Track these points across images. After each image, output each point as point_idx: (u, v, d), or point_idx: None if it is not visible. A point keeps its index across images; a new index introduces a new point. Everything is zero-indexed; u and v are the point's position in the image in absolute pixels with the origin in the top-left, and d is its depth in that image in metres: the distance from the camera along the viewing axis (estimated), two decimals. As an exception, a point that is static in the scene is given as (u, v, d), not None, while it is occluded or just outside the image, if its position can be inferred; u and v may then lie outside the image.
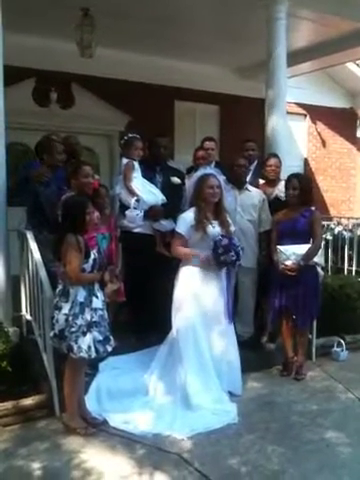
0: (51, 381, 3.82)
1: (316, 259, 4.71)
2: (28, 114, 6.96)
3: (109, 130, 7.94)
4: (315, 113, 10.09)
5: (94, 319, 3.48)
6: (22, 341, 4.47)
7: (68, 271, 3.42)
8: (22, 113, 6.69)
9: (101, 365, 4.18)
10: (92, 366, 4.04)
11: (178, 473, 3.15)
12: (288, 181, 4.67)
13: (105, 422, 3.71)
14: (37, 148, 4.65)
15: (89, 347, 3.43)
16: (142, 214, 4.74)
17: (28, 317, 4.64)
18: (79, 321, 3.42)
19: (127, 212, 4.74)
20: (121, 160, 4.86)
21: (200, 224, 4.10)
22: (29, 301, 4.59)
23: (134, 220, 4.74)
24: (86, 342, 3.42)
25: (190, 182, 4.36)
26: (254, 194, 4.99)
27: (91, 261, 3.54)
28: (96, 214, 4.07)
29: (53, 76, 7.13)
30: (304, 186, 4.65)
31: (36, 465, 3.22)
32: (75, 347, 3.40)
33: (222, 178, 4.26)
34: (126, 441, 3.51)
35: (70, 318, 3.42)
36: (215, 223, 4.17)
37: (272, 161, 5.24)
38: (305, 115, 10.09)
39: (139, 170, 4.81)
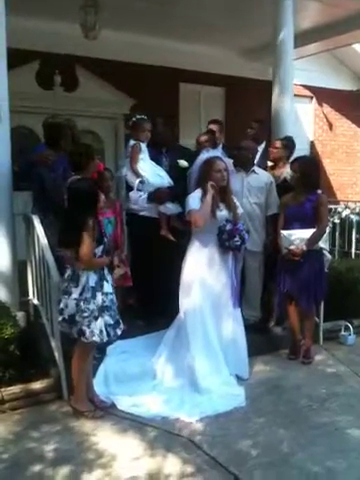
0: (59, 365, 3.83)
1: (321, 244, 4.67)
2: (32, 97, 6.90)
3: (113, 113, 7.86)
4: (321, 95, 9.97)
5: (105, 303, 3.47)
6: (29, 325, 4.48)
7: (80, 255, 3.38)
8: (26, 96, 6.62)
9: (109, 349, 4.17)
10: (100, 350, 4.04)
11: (187, 456, 3.15)
12: (292, 164, 4.65)
13: (113, 405, 3.73)
14: (50, 131, 4.59)
15: (101, 331, 3.43)
16: (145, 196, 4.70)
17: (35, 302, 4.64)
18: (91, 306, 3.40)
19: (131, 193, 4.70)
20: (128, 142, 4.81)
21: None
22: (36, 286, 4.59)
23: (137, 202, 4.70)
24: (98, 326, 3.41)
25: (195, 166, 4.31)
26: (261, 177, 4.94)
27: (102, 246, 3.52)
28: (102, 198, 4.05)
29: (57, 59, 7.05)
30: (305, 169, 4.58)
31: (48, 447, 3.24)
32: (88, 331, 3.39)
33: (228, 161, 4.22)
34: (136, 424, 3.52)
35: (81, 303, 3.40)
36: (222, 206, 4.14)
37: (275, 143, 5.22)
38: (311, 97, 9.98)
39: (146, 152, 4.76)
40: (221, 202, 4.16)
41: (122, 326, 3.61)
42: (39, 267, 4.33)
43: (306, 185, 4.58)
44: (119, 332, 3.58)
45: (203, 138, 5.21)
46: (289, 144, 5.22)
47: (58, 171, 4.39)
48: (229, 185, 4.22)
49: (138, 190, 4.66)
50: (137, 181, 4.65)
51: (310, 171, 4.65)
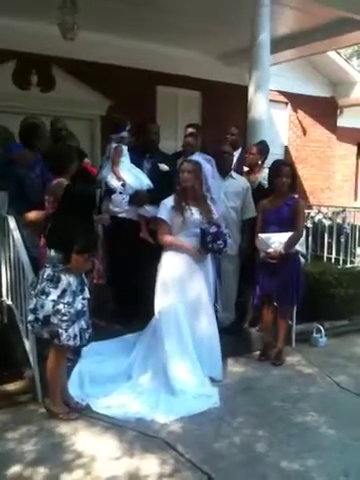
0: (33, 366, 3.80)
1: (298, 247, 4.75)
2: (8, 97, 6.84)
3: (90, 114, 7.85)
4: (296, 101, 10.12)
5: (84, 308, 3.49)
6: (3, 327, 4.44)
7: (73, 259, 3.38)
8: (1, 96, 6.59)
9: (84, 350, 4.15)
10: (74, 352, 4.02)
11: (162, 456, 3.17)
12: (278, 169, 4.66)
13: (88, 407, 3.72)
14: (22, 131, 4.57)
15: (75, 336, 3.43)
16: (127, 199, 4.72)
17: (9, 302, 4.60)
18: (72, 310, 3.40)
19: (113, 196, 4.71)
20: (110, 143, 4.81)
21: (178, 207, 4.13)
22: (10, 286, 4.55)
23: (119, 204, 4.72)
24: (75, 331, 3.42)
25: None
26: (238, 181, 5.01)
27: None
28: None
29: (34, 59, 7.01)
30: (293, 174, 4.71)
31: (25, 448, 3.23)
32: (64, 335, 3.38)
33: (209, 166, 4.26)
34: (110, 426, 3.52)
35: (60, 306, 3.38)
36: (194, 210, 4.17)
37: (252, 148, 5.28)
38: (286, 103, 10.12)
39: (127, 155, 4.78)
40: (193, 206, 4.19)
41: (91, 330, 3.60)
42: (13, 268, 4.30)
43: (291, 189, 4.67)
44: (88, 336, 3.57)
45: (188, 140, 5.25)
46: (264, 149, 5.30)
47: (36, 171, 4.37)
48: (198, 188, 4.21)
49: (120, 193, 4.67)
50: (119, 183, 4.66)
51: (295, 176, 4.74)
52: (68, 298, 3.41)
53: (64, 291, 3.41)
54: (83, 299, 3.49)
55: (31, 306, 3.47)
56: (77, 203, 3.51)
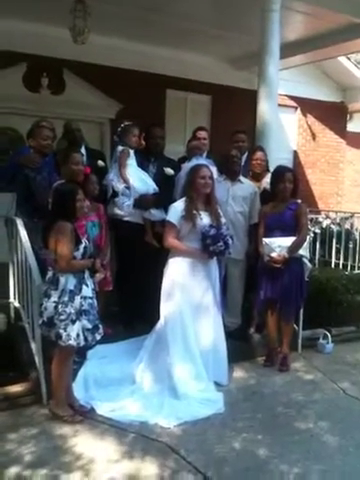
0: (39, 368, 3.82)
1: (302, 252, 4.74)
2: (18, 99, 6.88)
3: (100, 117, 7.88)
4: (306, 106, 10.09)
5: (84, 307, 3.48)
6: (10, 328, 4.46)
7: (59, 258, 3.42)
8: (12, 98, 6.64)
9: (89, 353, 4.17)
10: (80, 354, 4.03)
11: (164, 461, 3.17)
12: (281, 175, 4.66)
13: (92, 410, 3.73)
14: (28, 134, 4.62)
15: (78, 335, 3.44)
16: (131, 202, 4.73)
17: (16, 304, 4.63)
18: (68, 309, 3.41)
19: (116, 199, 4.73)
20: (116, 147, 4.83)
21: (189, 214, 4.10)
22: (17, 288, 4.58)
23: (122, 207, 4.73)
24: (75, 330, 3.42)
25: (182, 172, 4.36)
26: (246, 186, 5.01)
27: (81, 249, 3.53)
28: (86, 202, 4.07)
29: (45, 61, 7.04)
30: (296, 180, 4.71)
31: (26, 450, 3.23)
32: (64, 335, 3.40)
33: (214, 169, 4.26)
34: (113, 429, 3.53)
35: (59, 306, 3.42)
36: (204, 214, 4.17)
37: (258, 154, 5.25)
38: (296, 108, 10.09)
39: (134, 158, 4.79)
40: (204, 210, 4.20)
41: (101, 331, 3.63)
42: (21, 270, 4.32)
43: (294, 194, 4.68)
44: (98, 337, 3.59)
45: (193, 143, 5.27)
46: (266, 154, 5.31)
47: (44, 173, 4.40)
48: (213, 193, 4.25)
49: (123, 195, 4.69)
50: (122, 186, 4.67)
51: (297, 181, 4.75)
52: (64, 297, 3.43)
53: (62, 291, 3.44)
54: (82, 298, 3.49)
55: (40, 309, 3.51)
56: (54, 202, 3.55)
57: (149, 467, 3.11)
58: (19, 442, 3.33)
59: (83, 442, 3.36)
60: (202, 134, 5.59)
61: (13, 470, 3.02)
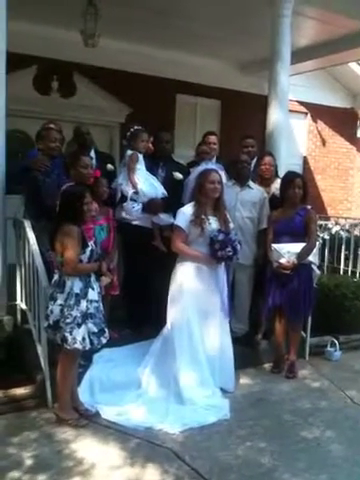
0: (44, 371, 3.81)
1: (311, 258, 4.70)
2: (28, 102, 6.94)
3: (109, 121, 7.91)
4: (316, 112, 10.09)
5: (90, 311, 3.47)
6: (16, 330, 4.46)
7: (65, 261, 3.41)
8: (22, 100, 6.67)
9: (95, 357, 4.17)
10: (86, 358, 4.03)
11: (169, 467, 3.15)
12: (290, 180, 4.63)
13: (97, 414, 3.71)
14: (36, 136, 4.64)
15: (83, 338, 3.43)
16: (139, 207, 4.72)
17: (23, 306, 4.63)
18: (74, 312, 3.40)
19: (124, 204, 4.72)
20: (126, 152, 4.83)
21: (198, 219, 4.08)
22: (24, 290, 4.58)
23: (130, 212, 4.72)
24: (81, 333, 3.41)
25: (191, 177, 4.34)
26: (255, 191, 4.98)
27: (88, 252, 3.52)
28: (95, 206, 4.06)
29: (55, 64, 7.10)
30: (306, 186, 4.68)
31: (27, 454, 3.22)
32: (70, 338, 3.38)
33: (223, 173, 4.24)
34: (117, 433, 3.51)
35: (65, 309, 3.41)
36: (213, 219, 4.15)
37: (266, 160, 5.22)
38: (306, 113, 10.08)
39: (143, 162, 4.78)
40: (213, 215, 4.18)
41: (107, 334, 3.61)
42: (28, 272, 4.32)
43: (303, 200, 4.65)
44: (104, 340, 3.58)
45: (203, 148, 5.25)
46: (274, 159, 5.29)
47: (52, 176, 4.40)
48: (222, 198, 4.23)
49: (132, 200, 4.68)
50: (131, 191, 4.67)
51: (307, 187, 4.73)
52: (70, 301, 3.42)
53: (68, 294, 3.43)
54: (88, 301, 3.48)
55: (46, 312, 3.51)
56: (61, 205, 3.54)
57: (152, 473, 3.09)
58: (21, 446, 3.32)
59: (86, 447, 3.34)
60: (211, 139, 5.58)
61: (13, 475, 3.01)
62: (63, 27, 6.49)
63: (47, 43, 6.71)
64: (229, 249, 4.02)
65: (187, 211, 4.15)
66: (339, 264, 6.94)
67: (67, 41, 6.46)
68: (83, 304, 3.44)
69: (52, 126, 4.57)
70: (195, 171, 4.31)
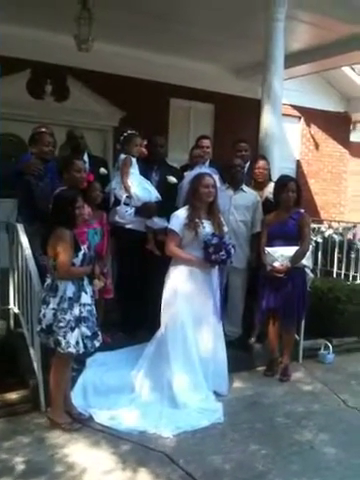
0: (38, 375, 3.80)
1: (304, 261, 4.72)
2: (22, 105, 6.92)
3: (103, 125, 7.90)
4: (309, 116, 10.12)
5: (83, 314, 3.47)
6: (9, 334, 4.45)
7: (58, 265, 3.40)
8: (16, 104, 6.65)
9: (88, 361, 4.16)
10: (79, 361, 4.02)
11: (162, 471, 3.15)
12: (284, 184, 4.65)
13: (91, 418, 3.70)
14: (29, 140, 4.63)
15: (77, 342, 3.43)
16: (132, 211, 4.72)
17: (16, 310, 4.62)
18: (68, 316, 3.40)
19: (118, 208, 4.72)
20: (119, 156, 4.83)
21: (192, 223, 4.09)
22: (17, 294, 4.57)
23: (124, 216, 4.73)
24: (74, 337, 3.41)
25: (185, 180, 4.35)
26: (249, 195, 5.00)
27: (81, 256, 3.52)
28: (88, 210, 4.07)
29: (49, 68, 7.09)
30: (299, 189, 4.70)
31: (19, 459, 3.20)
32: (63, 342, 3.38)
33: (217, 177, 4.25)
34: (110, 437, 3.50)
35: (58, 313, 3.40)
36: (207, 223, 4.16)
37: (260, 164, 5.25)
38: (299, 117, 10.12)
39: (136, 166, 4.79)
40: (207, 219, 4.18)
41: (100, 338, 3.61)
42: (21, 276, 4.31)
43: (297, 204, 4.67)
44: (97, 344, 3.58)
45: (196, 152, 5.27)
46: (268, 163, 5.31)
47: (46, 180, 4.39)
48: (216, 201, 4.24)
49: (125, 204, 4.68)
50: (124, 195, 4.67)
51: (300, 190, 4.75)
52: (63, 305, 3.42)
53: (61, 298, 3.43)
54: (81, 305, 3.48)
55: (39, 316, 3.50)
56: (54, 209, 3.54)
57: (145, 477, 3.08)
58: (13, 450, 3.30)
59: (79, 451, 3.32)
60: (205, 142, 5.60)
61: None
62: (57, 31, 6.48)
63: (41, 47, 6.70)
64: (223, 253, 4.03)
65: (181, 215, 4.15)
66: (332, 267, 6.97)
67: (61, 45, 6.45)
68: (76, 308, 3.44)
69: (44, 130, 4.57)
70: (189, 175, 4.32)
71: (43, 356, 3.76)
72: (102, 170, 5.03)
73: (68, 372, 3.69)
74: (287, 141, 9.63)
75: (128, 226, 4.73)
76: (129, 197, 4.67)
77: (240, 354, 4.79)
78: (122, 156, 4.76)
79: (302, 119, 10.15)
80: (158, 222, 4.75)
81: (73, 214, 3.50)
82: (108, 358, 4.36)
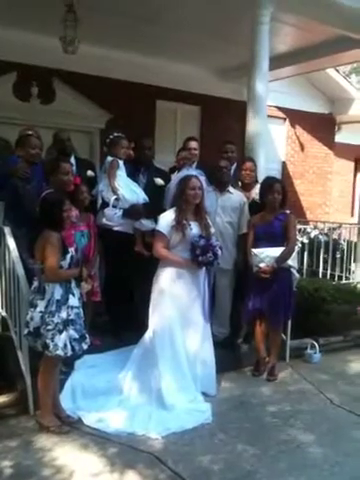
0: (26, 379, 3.79)
1: (290, 262, 4.76)
2: (8, 108, 6.89)
3: (89, 127, 7.88)
4: (294, 117, 10.19)
5: (70, 317, 3.48)
6: (-3, 338, 4.43)
7: (45, 268, 3.41)
8: (2, 107, 6.66)
9: (77, 363, 4.16)
10: (68, 364, 4.03)
11: (151, 472, 3.17)
12: (269, 185, 4.70)
13: (79, 420, 3.71)
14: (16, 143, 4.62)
15: (65, 345, 3.43)
16: (120, 213, 4.74)
17: (3, 314, 4.60)
18: (55, 319, 3.41)
19: (106, 210, 4.73)
20: (106, 158, 4.84)
21: (179, 225, 4.11)
22: (5, 297, 4.55)
23: (112, 218, 4.74)
24: (62, 340, 3.41)
25: (172, 182, 4.37)
26: (235, 196, 5.03)
27: (68, 258, 3.53)
28: (75, 212, 4.07)
29: (35, 71, 7.06)
30: (285, 190, 4.75)
31: (7, 463, 3.20)
32: (51, 345, 3.38)
33: (203, 179, 4.28)
34: (99, 440, 3.51)
35: (46, 316, 3.41)
36: (194, 225, 4.18)
37: (247, 165, 5.28)
38: (285, 119, 10.18)
39: (124, 169, 4.80)
40: (194, 220, 4.21)
41: (88, 340, 3.62)
42: (9, 279, 4.30)
43: (282, 205, 4.71)
44: (85, 347, 3.59)
45: (183, 154, 5.29)
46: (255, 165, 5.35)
47: (33, 183, 4.39)
48: (203, 203, 4.26)
49: (113, 207, 4.69)
50: (113, 198, 4.68)
51: (286, 191, 4.80)
52: (51, 307, 3.42)
53: (48, 301, 3.43)
54: (69, 308, 3.48)
55: (26, 319, 3.50)
56: (41, 212, 3.55)
57: (133, 478, 3.10)
58: (1, 454, 3.29)
59: (67, 454, 3.33)
60: (192, 144, 5.62)
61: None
62: (43, 33, 6.47)
63: (27, 49, 6.69)
64: (210, 254, 4.06)
65: (168, 216, 4.18)
66: (318, 267, 7.03)
67: (47, 47, 6.43)
68: (64, 310, 3.45)
69: (31, 133, 4.56)
70: (176, 177, 4.34)
71: (31, 359, 3.76)
72: (89, 172, 5.04)
73: (56, 375, 3.69)
74: (273, 142, 9.70)
75: (116, 228, 4.74)
76: (117, 199, 4.68)
77: (227, 354, 4.82)
78: (109, 158, 4.77)
79: (287, 120, 10.22)
80: (146, 224, 4.77)
81: (60, 217, 3.51)
82: (97, 360, 4.37)
